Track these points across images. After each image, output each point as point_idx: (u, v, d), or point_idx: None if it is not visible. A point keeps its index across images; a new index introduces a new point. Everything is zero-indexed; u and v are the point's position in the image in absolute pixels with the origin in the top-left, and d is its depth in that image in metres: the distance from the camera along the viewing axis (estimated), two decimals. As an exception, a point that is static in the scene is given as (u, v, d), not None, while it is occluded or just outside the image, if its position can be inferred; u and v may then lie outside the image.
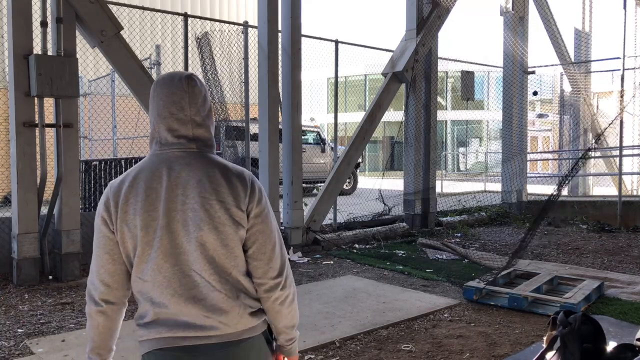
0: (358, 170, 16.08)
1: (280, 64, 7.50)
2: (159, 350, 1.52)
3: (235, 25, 8.66)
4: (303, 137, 9.35)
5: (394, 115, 9.52)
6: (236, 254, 1.55)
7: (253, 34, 7.89)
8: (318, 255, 7.39)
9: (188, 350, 1.50)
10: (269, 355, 1.65)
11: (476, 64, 12.97)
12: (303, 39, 7.74)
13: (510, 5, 11.23)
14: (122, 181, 1.56)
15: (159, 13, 12.13)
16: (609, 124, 9.83)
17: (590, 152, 13.09)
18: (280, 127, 7.53)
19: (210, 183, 1.53)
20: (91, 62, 12.04)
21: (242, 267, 1.57)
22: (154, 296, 1.52)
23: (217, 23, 9.02)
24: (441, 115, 13.39)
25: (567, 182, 7.53)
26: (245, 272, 1.58)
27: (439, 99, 13.81)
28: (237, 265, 1.55)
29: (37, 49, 5.87)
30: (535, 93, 11.00)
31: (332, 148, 13.16)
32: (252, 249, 1.57)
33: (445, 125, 28.31)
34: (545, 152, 18.93)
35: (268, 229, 1.59)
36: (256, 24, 7.58)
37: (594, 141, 10.11)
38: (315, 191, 13.79)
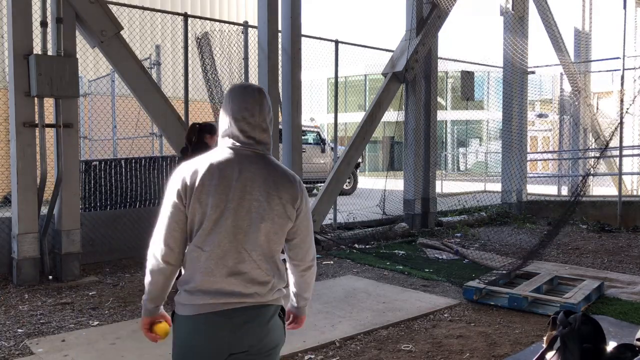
0: (358, 171, 16.07)
1: (280, 64, 7.49)
2: (198, 315, 1.80)
3: (235, 25, 8.66)
4: (303, 137, 9.35)
5: (394, 115, 9.50)
6: (281, 241, 1.91)
7: (253, 34, 7.88)
8: (318, 255, 7.39)
9: (224, 314, 1.80)
10: (282, 323, 1.97)
11: (476, 64, 12.95)
12: (303, 39, 7.73)
13: (510, 5, 11.23)
14: (197, 164, 1.85)
15: (159, 13, 12.13)
16: (616, 126, 9.84)
17: (590, 152, 13.12)
18: (280, 127, 7.52)
19: (273, 182, 1.87)
20: (91, 62, 12.04)
21: (280, 252, 1.92)
22: (206, 265, 1.81)
23: (217, 23, 9.03)
24: (441, 115, 13.40)
25: (582, 184, 7.62)
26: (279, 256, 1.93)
27: (439, 98, 13.80)
28: (278, 251, 1.91)
29: (37, 49, 5.87)
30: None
31: (332, 148, 13.17)
32: (296, 239, 1.96)
33: (445, 125, 28.29)
34: (545, 152, 18.90)
35: (309, 224, 1.98)
36: (256, 24, 7.57)
37: (608, 139, 10.12)
38: (315, 191, 13.78)
